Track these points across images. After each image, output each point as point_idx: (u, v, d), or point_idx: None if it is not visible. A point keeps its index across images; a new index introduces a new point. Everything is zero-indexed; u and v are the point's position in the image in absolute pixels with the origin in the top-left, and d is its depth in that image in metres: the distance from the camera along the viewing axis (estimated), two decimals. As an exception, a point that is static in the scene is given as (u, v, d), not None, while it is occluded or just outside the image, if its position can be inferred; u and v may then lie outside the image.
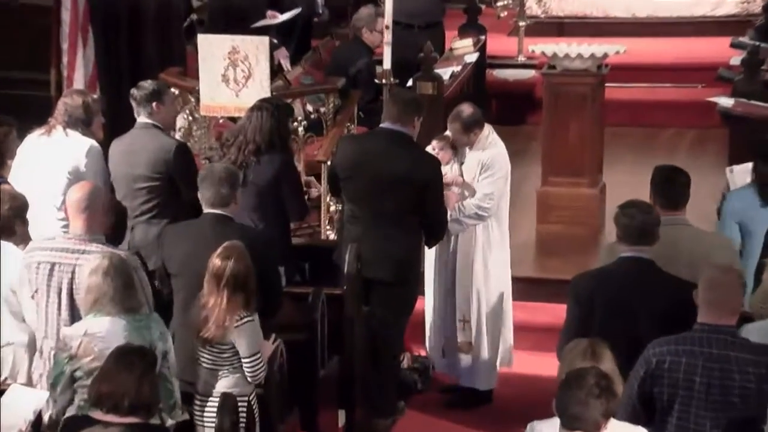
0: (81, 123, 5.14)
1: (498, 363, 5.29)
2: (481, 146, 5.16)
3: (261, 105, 5.03)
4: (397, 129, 4.86)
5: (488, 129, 5.20)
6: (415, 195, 4.80)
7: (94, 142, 5.17)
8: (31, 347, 4.20)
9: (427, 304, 5.33)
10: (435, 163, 4.92)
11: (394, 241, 4.84)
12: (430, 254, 5.27)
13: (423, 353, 5.56)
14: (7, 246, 4.27)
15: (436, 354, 5.34)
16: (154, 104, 5.04)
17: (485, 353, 5.23)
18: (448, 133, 5.31)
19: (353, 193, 4.94)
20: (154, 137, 5.04)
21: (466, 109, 5.18)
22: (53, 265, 4.03)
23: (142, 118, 5.09)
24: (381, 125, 4.96)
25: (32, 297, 4.08)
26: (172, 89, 6.25)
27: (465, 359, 5.25)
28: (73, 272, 3.99)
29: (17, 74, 7.37)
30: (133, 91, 5.10)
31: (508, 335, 5.31)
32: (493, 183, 5.10)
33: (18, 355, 4.21)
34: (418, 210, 4.85)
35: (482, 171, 5.12)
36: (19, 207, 4.34)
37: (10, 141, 4.93)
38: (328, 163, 5.76)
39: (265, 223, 4.91)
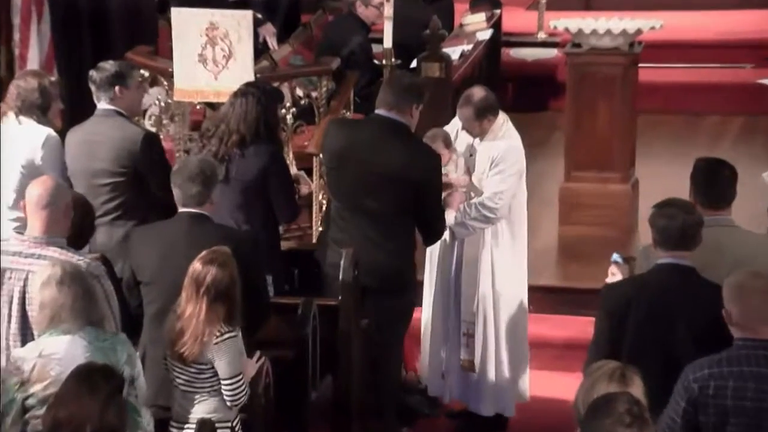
0: (36, 109, 5.12)
1: (517, 388, 5.25)
2: (494, 136, 5.14)
3: (246, 90, 5.02)
4: (392, 117, 4.84)
5: (503, 117, 5.19)
6: (410, 194, 4.78)
7: (51, 131, 5.15)
8: None
9: (425, 315, 5.32)
10: (433, 159, 4.88)
11: (383, 246, 4.82)
12: (430, 259, 5.27)
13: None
14: None
15: (431, 374, 5.32)
16: (116, 88, 5.01)
17: (491, 374, 5.20)
18: (455, 119, 5.30)
19: (338, 187, 4.92)
20: (117, 126, 5.01)
21: (479, 92, 5.16)
22: (3, 270, 4.01)
23: (102, 104, 5.06)
24: (375, 112, 4.93)
25: None
26: (142, 71, 6.25)
27: (471, 380, 5.23)
28: (26, 279, 3.98)
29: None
30: (92, 72, 5.07)
31: (522, 359, 5.28)
32: (503, 180, 5.08)
33: None
34: (412, 210, 4.82)
35: (492, 166, 5.10)
36: None
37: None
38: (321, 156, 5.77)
39: (250, 224, 4.90)
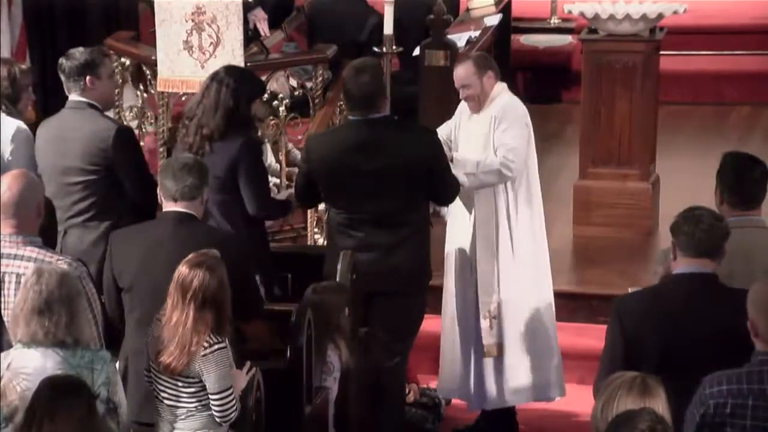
0: (6, 100, 5.13)
1: (540, 379, 5.25)
2: (490, 99, 5.18)
3: (221, 78, 4.94)
4: (371, 118, 4.89)
5: (502, 86, 5.24)
6: (419, 182, 4.85)
7: (21, 124, 5.16)
8: None
9: (444, 316, 5.33)
10: (430, 133, 5.01)
11: (396, 249, 4.89)
12: (447, 256, 5.29)
13: (433, 385, 5.60)
14: None
15: (448, 381, 5.34)
16: (87, 78, 4.99)
17: (520, 356, 5.19)
18: (459, 107, 5.28)
19: (338, 197, 4.96)
20: (88, 119, 4.99)
21: (474, 52, 5.26)
22: None
23: (73, 96, 5.04)
24: (350, 119, 4.95)
25: None
26: (123, 58, 6.28)
27: (493, 373, 5.21)
28: (1, 281, 3.97)
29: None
30: (62, 61, 5.04)
31: (551, 347, 5.28)
32: (513, 137, 5.12)
33: None
34: (425, 191, 4.91)
35: (496, 125, 5.15)
36: None
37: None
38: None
39: (229, 222, 4.92)
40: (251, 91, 5.00)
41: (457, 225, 5.30)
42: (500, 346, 5.22)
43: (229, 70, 5.05)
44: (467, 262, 5.25)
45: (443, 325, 5.36)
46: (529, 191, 5.24)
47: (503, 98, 5.19)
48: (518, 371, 5.23)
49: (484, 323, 5.21)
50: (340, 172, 4.88)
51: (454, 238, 5.32)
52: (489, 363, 5.23)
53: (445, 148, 5.12)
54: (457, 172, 5.08)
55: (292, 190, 5.25)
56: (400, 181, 4.85)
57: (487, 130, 5.16)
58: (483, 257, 5.19)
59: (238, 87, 4.92)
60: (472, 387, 5.28)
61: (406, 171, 4.84)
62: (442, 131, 5.32)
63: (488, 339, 5.21)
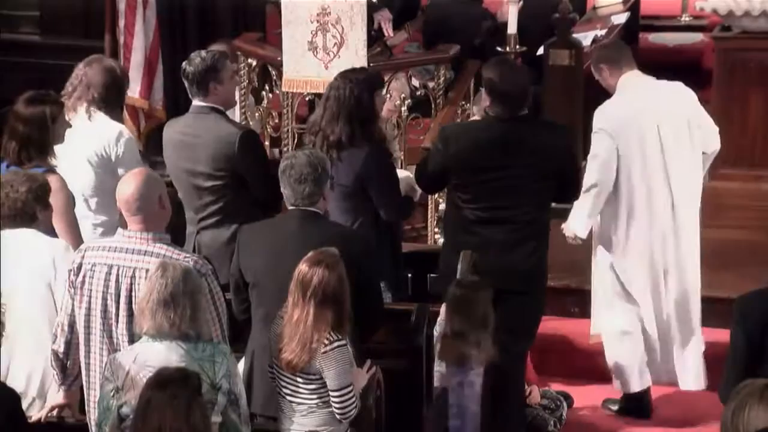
0: (108, 101, 5.25)
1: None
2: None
3: (338, 84, 4.99)
4: (521, 114, 4.90)
5: (629, 76, 5.23)
6: (553, 181, 4.90)
7: (123, 128, 5.29)
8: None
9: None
10: (566, 134, 5.05)
11: (515, 248, 4.90)
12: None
13: (553, 386, 5.55)
14: (31, 234, 4.42)
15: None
16: (210, 85, 5.02)
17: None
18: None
19: (474, 192, 4.94)
20: (213, 125, 5.04)
21: (606, 43, 5.36)
22: (110, 267, 4.11)
23: (197, 101, 5.08)
24: (493, 116, 4.92)
25: (81, 305, 4.17)
26: (249, 60, 6.38)
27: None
28: (132, 276, 4.07)
29: (66, 41, 7.65)
30: (185, 66, 5.07)
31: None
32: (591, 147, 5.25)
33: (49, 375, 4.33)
34: (553, 196, 5.00)
35: None
36: (38, 188, 4.47)
37: (59, 124, 4.97)
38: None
39: (359, 227, 4.95)
40: (370, 85, 5.02)
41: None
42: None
43: (343, 74, 5.08)
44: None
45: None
46: (630, 204, 5.24)
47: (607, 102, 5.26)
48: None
49: None
50: (480, 166, 4.87)
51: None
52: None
53: None
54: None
55: (409, 180, 5.26)
56: (537, 179, 4.87)
57: None
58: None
59: (356, 86, 4.95)
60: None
61: (545, 168, 4.87)
62: None
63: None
